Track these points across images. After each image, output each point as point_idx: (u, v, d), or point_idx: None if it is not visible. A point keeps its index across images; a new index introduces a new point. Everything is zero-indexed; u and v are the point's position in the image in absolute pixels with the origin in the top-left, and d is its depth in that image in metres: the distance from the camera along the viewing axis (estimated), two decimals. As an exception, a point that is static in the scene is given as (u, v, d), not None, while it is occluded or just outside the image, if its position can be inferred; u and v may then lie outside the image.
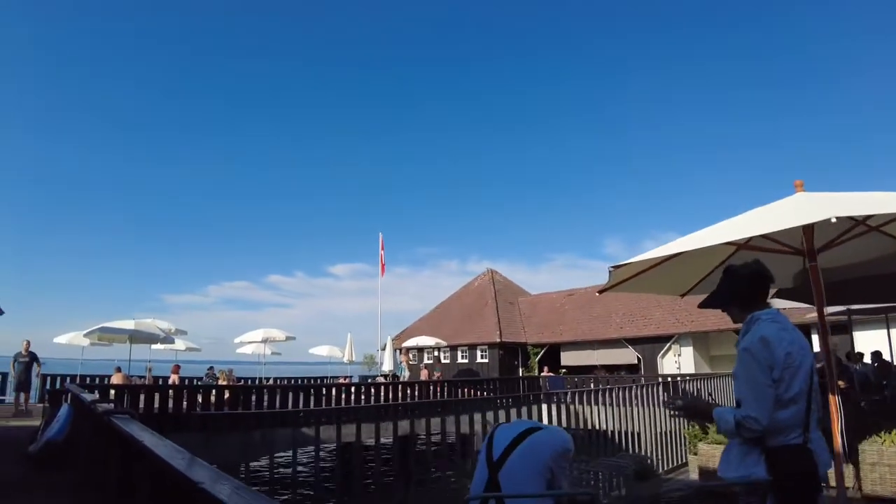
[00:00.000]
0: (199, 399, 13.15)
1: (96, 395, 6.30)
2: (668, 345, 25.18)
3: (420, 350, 31.48)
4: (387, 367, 21.45)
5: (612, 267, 5.01)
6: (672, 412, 2.88)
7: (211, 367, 22.10)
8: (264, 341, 20.63)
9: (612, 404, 21.74)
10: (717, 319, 24.17)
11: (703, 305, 3.14)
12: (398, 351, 31.13)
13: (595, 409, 22.19)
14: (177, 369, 18.86)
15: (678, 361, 24.95)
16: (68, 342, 19.87)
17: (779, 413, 2.51)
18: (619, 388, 8.96)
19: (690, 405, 3.08)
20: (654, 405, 8.81)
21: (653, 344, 25.57)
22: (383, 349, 32.48)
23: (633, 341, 26.08)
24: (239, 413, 13.76)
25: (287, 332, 21.21)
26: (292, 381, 26.48)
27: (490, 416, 20.76)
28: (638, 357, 25.95)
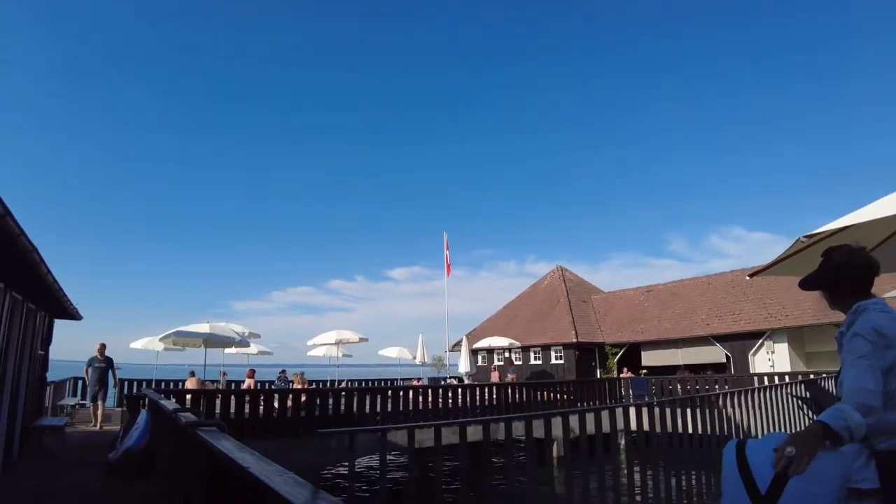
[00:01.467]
0: (276, 404, 12.68)
1: (176, 403, 5.70)
2: (760, 341, 23.38)
3: (490, 351, 30.58)
4: (463, 368, 20.61)
5: (805, 237, 3.99)
6: (792, 470, 1.85)
7: (283, 371, 21.87)
8: (338, 343, 20.19)
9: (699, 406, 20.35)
10: (816, 312, 22.26)
11: (802, 285, 2.84)
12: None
13: (691, 412, 20.81)
14: (252, 374, 18.64)
15: (772, 359, 23.16)
16: (143, 347, 20.05)
17: (890, 413, 2.22)
18: (766, 390, 7.79)
19: (801, 438, 2.10)
20: (773, 408, 7.69)
21: (743, 341, 23.78)
22: (452, 350, 31.81)
23: (722, 338, 24.35)
24: (317, 418, 13.24)
25: (360, 333, 20.69)
26: (366, 384, 26.13)
27: (574, 420, 19.71)
28: (727, 355, 24.23)
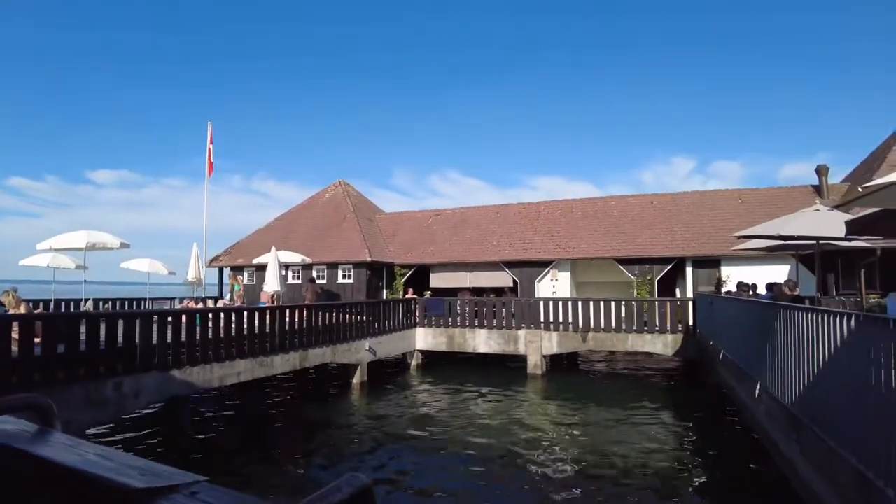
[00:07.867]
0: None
1: None
2: (546, 270, 24.13)
3: (261, 269, 27.01)
4: (272, 286, 17.09)
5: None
6: None
7: (-15, 285, 15.97)
8: (88, 248, 15.00)
9: (495, 327, 20.24)
10: (598, 247, 23.56)
11: None
12: (233, 270, 26.60)
13: (476, 333, 20.57)
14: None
15: (555, 286, 24.12)
16: None
17: None
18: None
19: None
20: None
21: (531, 268, 24.36)
22: (209, 266, 27.47)
23: (511, 265, 24.62)
24: (82, 356, 9.26)
25: (120, 238, 15.74)
26: (122, 306, 20.87)
27: (370, 343, 17.95)
28: (514, 280, 24.65)
